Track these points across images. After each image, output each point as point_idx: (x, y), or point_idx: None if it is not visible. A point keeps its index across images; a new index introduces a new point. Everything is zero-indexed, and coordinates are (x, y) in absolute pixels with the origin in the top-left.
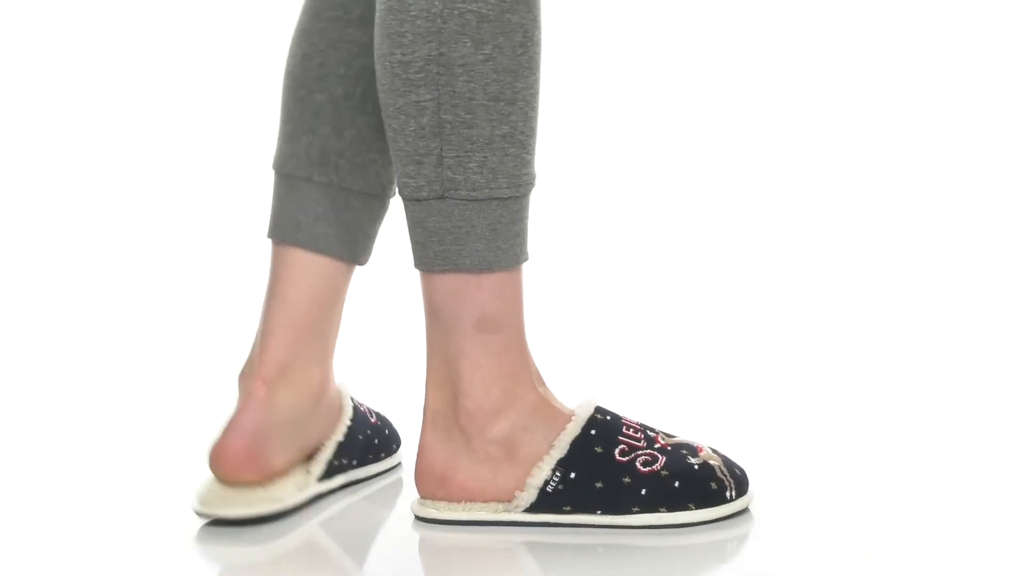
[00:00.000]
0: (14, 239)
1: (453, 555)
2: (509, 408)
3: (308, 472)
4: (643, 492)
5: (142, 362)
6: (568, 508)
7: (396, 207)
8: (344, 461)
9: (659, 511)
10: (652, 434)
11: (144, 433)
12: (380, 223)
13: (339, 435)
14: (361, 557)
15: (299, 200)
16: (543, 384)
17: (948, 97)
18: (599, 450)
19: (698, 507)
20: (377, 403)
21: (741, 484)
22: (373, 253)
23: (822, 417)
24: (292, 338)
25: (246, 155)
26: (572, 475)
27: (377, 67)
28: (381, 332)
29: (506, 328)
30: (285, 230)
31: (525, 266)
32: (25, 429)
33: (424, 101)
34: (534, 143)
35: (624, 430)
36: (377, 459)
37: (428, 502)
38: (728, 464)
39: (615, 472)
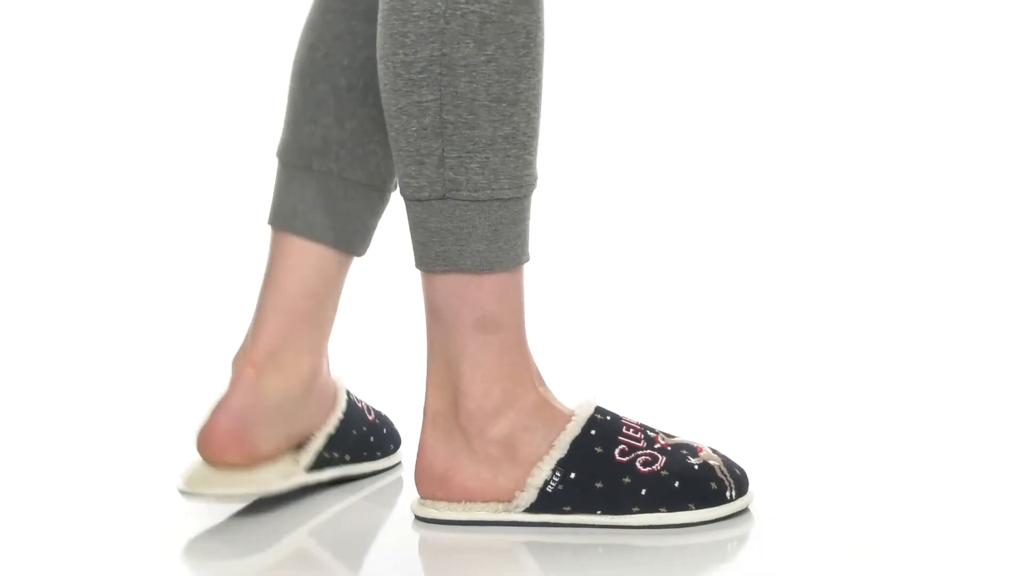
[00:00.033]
0: (11, 225)
1: (453, 555)
2: (509, 408)
3: (296, 461)
4: (643, 492)
5: (141, 348)
6: (568, 508)
7: (397, 206)
8: (335, 454)
9: (659, 511)
10: (652, 434)
11: (141, 421)
12: (379, 216)
13: (330, 427)
14: (361, 557)
15: (298, 188)
16: (543, 384)
17: (948, 97)
18: (599, 450)
19: (698, 507)
20: (378, 403)
21: (741, 484)
22: (374, 254)
23: (822, 417)
24: (284, 324)
25: (253, 142)
26: (572, 475)
27: (379, 67)
28: (381, 332)
29: (507, 328)
30: (283, 217)
31: (526, 266)
32: (22, 418)
33: (426, 101)
34: (536, 144)
35: (624, 430)
36: (372, 457)
37: (428, 502)
38: (728, 464)
39: (615, 472)
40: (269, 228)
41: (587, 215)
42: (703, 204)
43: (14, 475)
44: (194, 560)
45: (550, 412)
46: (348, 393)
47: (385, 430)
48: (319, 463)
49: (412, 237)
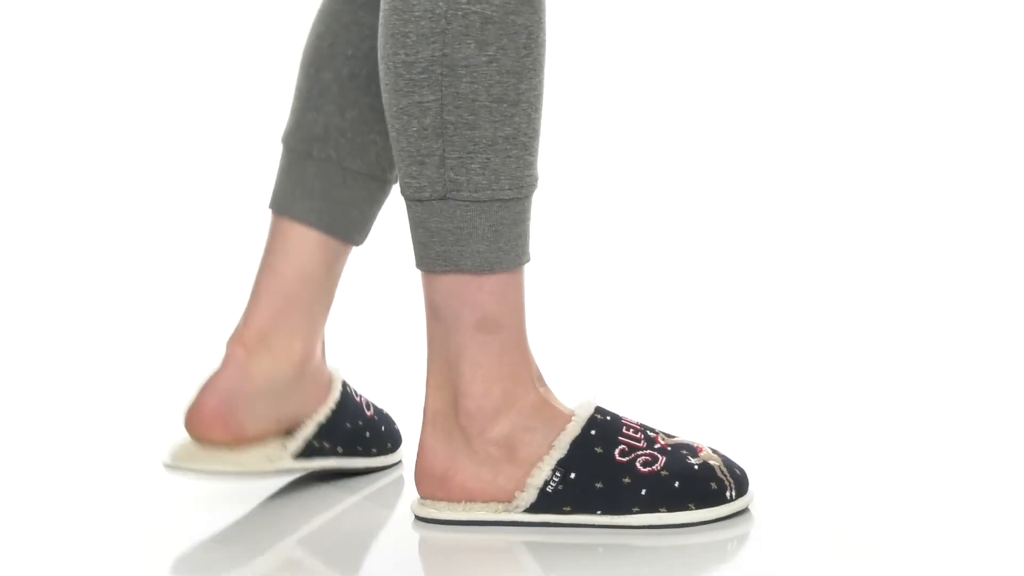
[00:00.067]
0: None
1: (453, 555)
2: (509, 408)
3: (284, 447)
4: (643, 492)
5: (141, 332)
6: (568, 508)
7: (399, 206)
8: (326, 444)
9: (659, 511)
10: (652, 434)
11: (138, 416)
12: (379, 206)
13: (321, 416)
14: (361, 556)
15: (298, 174)
16: (544, 384)
17: (948, 97)
18: (599, 450)
19: (698, 507)
20: (378, 402)
21: (741, 484)
22: (375, 253)
23: (822, 417)
24: (276, 307)
25: (258, 129)
26: (572, 475)
27: (380, 67)
28: (382, 331)
29: (507, 329)
30: (282, 202)
31: (527, 267)
32: (19, 411)
33: (427, 102)
34: (537, 145)
35: (624, 430)
36: (367, 453)
37: (428, 502)
38: (728, 464)
39: (615, 472)
40: (270, 212)
41: (587, 215)
42: (703, 204)
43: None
44: (194, 560)
45: (550, 412)
46: (346, 385)
47: (383, 428)
48: (308, 451)
49: (412, 237)
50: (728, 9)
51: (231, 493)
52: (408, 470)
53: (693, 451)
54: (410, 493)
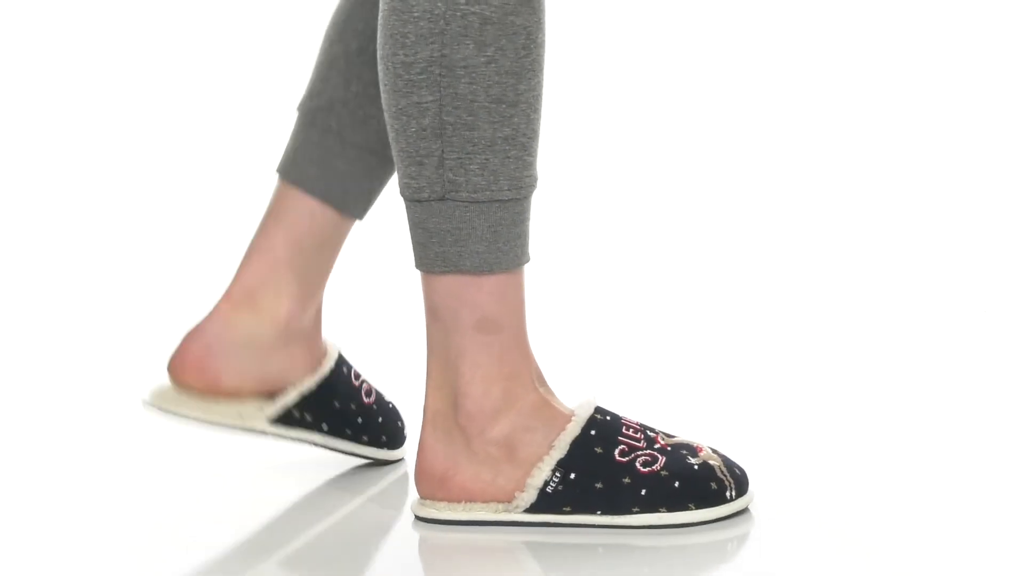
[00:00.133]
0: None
1: (453, 555)
2: (509, 409)
3: (260, 408)
4: (643, 492)
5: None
6: (568, 508)
7: (398, 207)
8: (308, 417)
9: (659, 511)
10: (652, 434)
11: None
12: (379, 182)
13: (305, 386)
14: (361, 556)
15: (302, 140)
16: (544, 384)
17: (948, 97)
18: (599, 450)
19: (698, 507)
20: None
21: (741, 484)
22: (375, 253)
23: (822, 417)
24: (264, 267)
25: (265, 109)
26: (572, 475)
27: (380, 67)
28: (382, 331)
29: (506, 329)
30: (285, 165)
31: (527, 267)
32: (15, 403)
33: (426, 102)
34: (536, 145)
35: (624, 430)
36: (356, 439)
37: (428, 502)
38: (728, 464)
39: (615, 472)
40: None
41: (587, 215)
42: (703, 204)
43: None
44: (194, 560)
45: (550, 412)
46: (342, 364)
47: (380, 419)
48: (287, 419)
49: (412, 237)
50: (728, 9)
51: (231, 493)
52: (408, 470)
53: (693, 451)
54: (411, 493)
